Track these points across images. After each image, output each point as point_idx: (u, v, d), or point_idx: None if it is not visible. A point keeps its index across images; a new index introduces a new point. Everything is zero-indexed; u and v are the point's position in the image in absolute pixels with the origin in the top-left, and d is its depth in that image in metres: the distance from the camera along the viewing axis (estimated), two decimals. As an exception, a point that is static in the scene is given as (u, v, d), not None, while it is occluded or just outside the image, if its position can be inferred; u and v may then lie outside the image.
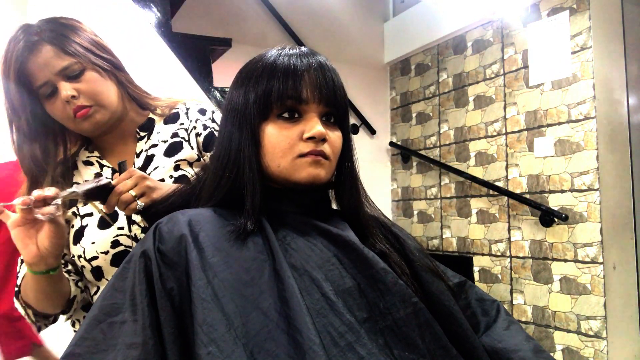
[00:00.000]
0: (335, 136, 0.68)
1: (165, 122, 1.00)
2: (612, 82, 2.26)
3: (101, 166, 0.96)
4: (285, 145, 0.64)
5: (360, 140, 3.29)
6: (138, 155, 0.96)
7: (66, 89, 0.84)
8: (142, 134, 0.98)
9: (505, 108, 2.63)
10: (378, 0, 3.52)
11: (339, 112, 0.68)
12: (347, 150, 0.71)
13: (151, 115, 1.00)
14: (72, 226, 0.92)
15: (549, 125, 2.39)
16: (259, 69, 0.66)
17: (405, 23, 3.32)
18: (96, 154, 0.98)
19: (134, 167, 0.95)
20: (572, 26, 2.29)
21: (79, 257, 0.90)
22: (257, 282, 0.57)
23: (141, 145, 0.97)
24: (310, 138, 0.64)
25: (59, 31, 0.87)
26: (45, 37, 0.85)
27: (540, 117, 2.44)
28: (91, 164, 0.97)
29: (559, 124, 2.34)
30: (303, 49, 0.69)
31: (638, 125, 2.29)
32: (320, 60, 0.67)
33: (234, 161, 0.66)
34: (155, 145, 0.97)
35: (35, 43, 0.84)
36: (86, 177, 0.95)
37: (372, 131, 3.37)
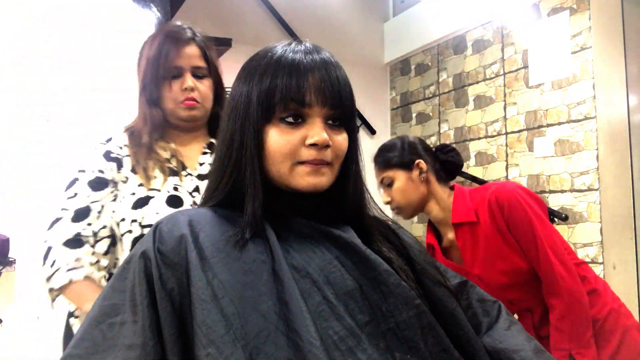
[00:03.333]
0: (341, 138, 0.66)
1: None
2: (612, 82, 2.26)
3: (172, 155, 1.13)
4: (286, 151, 0.63)
5: (360, 140, 3.28)
6: (201, 165, 1.14)
7: (191, 80, 1.09)
8: (207, 151, 1.17)
9: (505, 108, 2.63)
10: (378, 0, 3.51)
11: (345, 113, 0.66)
12: (352, 151, 0.69)
13: (213, 141, 1.18)
14: (134, 194, 1.06)
15: (549, 125, 2.39)
16: (262, 66, 0.65)
17: (405, 23, 3.31)
18: (172, 145, 1.14)
19: (196, 171, 1.13)
20: (572, 26, 2.29)
21: (133, 221, 1.04)
22: (256, 283, 0.57)
23: (205, 159, 1.15)
24: (313, 145, 0.63)
25: (207, 42, 1.15)
26: (198, 40, 1.12)
27: (540, 117, 2.43)
28: (165, 150, 1.13)
29: (559, 124, 2.33)
30: (308, 45, 0.67)
31: (638, 125, 2.28)
32: (325, 58, 0.65)
33: (235, 161, 0.65)
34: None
35: (189, 39, 1.10)
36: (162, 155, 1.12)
37: (372, 131, 3.37)
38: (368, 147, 3.49)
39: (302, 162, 0.63)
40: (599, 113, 2.19)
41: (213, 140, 1.18)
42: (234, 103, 0.67)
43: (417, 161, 1.31)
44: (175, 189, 1.07)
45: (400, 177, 1.31)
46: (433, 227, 1.40)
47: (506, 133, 2.62)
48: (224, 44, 2.30)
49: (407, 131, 3.31)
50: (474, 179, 2.73)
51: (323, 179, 0.64)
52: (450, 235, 1.34)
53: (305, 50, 0.65)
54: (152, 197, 1.05)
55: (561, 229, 2.28)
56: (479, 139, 2.78)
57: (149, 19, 1.89)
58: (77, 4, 1.79)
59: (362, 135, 3.35)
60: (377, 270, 0.60)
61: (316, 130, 0.63)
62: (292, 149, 0.63)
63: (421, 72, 3.24)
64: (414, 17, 3.24)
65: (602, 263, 2.12)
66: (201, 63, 1.11)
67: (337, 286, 0.59)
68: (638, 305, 2.20)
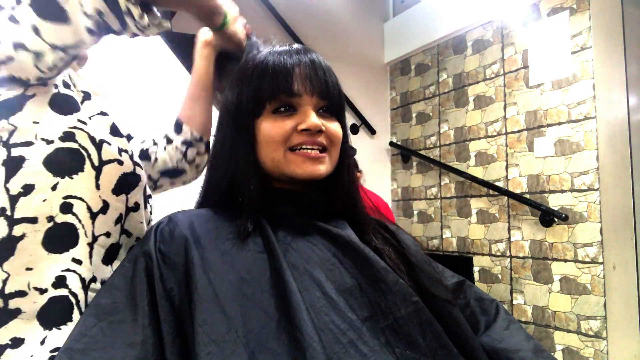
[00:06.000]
0: (334, 125, 0.67)
1: None
2: (612, 82, 2.26)
3: None
4: (279, 138, 0.64)
5: (360, 140, 3.29)
6: None
7: None
8: None
9: (505, 108, 2.63)
10: (378, 0, 3.52)
11: (334, 104, 0.68)
12: (344, 144, 0.70)
13: None
14: None
15: (549, 125, 2.39)
16: (249, 69, 0.67)
17: (405, 23, 3.32)
18: None
19: None
20: (572, 26, 2.29)
21: None
22: (258, 281, 0.57)
23: None
24: (305, 130, 0.64)
25: None
26: None
27: (540, 117, 2.44)
28: None
29: (559, 124, 2.34)
30: (294, 45, 0.69)
31: (638, 125, 2.28)
32: (311, 56, 0.67)
33: (228, 159, 0.66)
34: None
35: None
36: None
37: (372, 131, 3.37)
38: (368, 147, 3.49)
39: (294, 149, 0.64)
40: (599, 113, 2.19)
41: None
42: (225, 107, 0.69)
43: None
44: None
45: None
46: None
47: (506, 133, 2.62)
48: (224, 44, 2.29)
49: (407, 131, 3.32)
50: (473, 179, 2.73)
51: (321, 167, 0.65)
52: None
53: (290, 50, 0.67)
54: None
55: (561, 229, 2.29)
56: (479, 139, 2.78)
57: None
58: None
59: (362, 135, 3.35)
60: (376, 268, 0.61)
61: (308, 117, 0.64)
62: (285, 135, 0.64)
63: (421, 72, 3.24)
64: (414, 17, 3.25)
65: (602, 263, 2.12)
66: None
67: (337, 283, 0.59)
68: (638, 305, 2.20)
